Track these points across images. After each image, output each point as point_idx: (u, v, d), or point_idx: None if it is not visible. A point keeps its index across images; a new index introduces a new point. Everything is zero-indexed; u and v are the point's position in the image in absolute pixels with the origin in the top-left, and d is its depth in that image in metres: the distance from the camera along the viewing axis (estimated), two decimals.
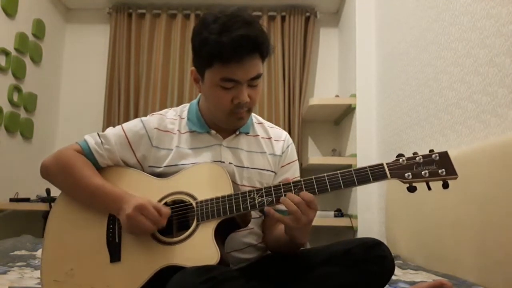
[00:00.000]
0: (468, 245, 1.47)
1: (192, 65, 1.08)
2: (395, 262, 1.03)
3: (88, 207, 1.04)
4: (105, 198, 1.01)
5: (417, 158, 0.91)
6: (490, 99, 1.47)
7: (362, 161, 2.75)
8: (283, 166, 1.19)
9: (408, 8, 2.28)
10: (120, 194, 1.00)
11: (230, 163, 1.10)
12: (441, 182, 0.90)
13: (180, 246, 0.94)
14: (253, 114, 1.19)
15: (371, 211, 2.69)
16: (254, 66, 0.99)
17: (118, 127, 1.13)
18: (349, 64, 3.09)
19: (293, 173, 1.21)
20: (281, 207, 1.09)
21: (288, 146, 1.21)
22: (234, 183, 1.04)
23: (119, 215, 0.98)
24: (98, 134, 1.11)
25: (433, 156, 0.90)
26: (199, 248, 0.93)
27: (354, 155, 2.80)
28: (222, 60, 0.96)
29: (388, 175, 0.91)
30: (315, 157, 3.11)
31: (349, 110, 2.97)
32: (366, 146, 2.77)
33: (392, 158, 0.94)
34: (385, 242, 1.26)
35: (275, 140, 1.20)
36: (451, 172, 0.89)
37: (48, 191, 2.90)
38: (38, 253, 1.81)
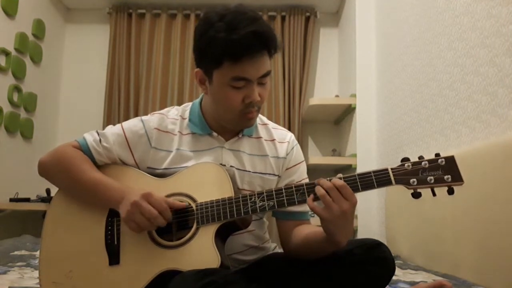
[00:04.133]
0: (468, 245, 1.47)
1: (196, 66, 1.04)
2: (395, 262, 1.03)
3: (86, 207, 1.03)
4: (106, 191, 0.99)
5: (422, 163, 0.88)
6: (490, 99, 1.47)
7: (362, 161, 2.75)
8: (288, 169, 1.14)
9: (408, 8, 2.27)
10: (121, 187, 0.98)
11: (231, 166, 1.07)
12: (446, 188, 0.87)
13: (180, 250, 0.93)
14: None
15: (371, 211, 2.69)
16: (264, 63, 0.97)
17: (118, 126, 1.11)
18: (349, 64, 3.09)
19: (300, 175, 1.15)
20: (293, 208, 1.07)
21: (293, 148, 1.16)
22: (234, 187, 1.00)
23: (121, 205, 0.95)
24: (97, 132, 1.09)
25: (439, 161, 0.87)
26: (199, 253, 0.92)
27: (354, 155, 2.80)
28: (233, 58, 0.92)
29: (393, 181, 0.88)
30: (315, 157, 3.10)
31: (349, 110, 2.97)
32: (366, 146, 2.77)
33: (392, 158, 0.92)
34: (385, 242, 1.26)
35: (279, 142, 1.15)
36: (457, 178, 0.86)
37: (48, 191, 2.90)
38: (38, 253, 1.81)
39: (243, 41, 0.91)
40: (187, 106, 1.16)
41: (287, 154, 1.14)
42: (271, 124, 1.20)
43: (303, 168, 1.17)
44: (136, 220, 0.92)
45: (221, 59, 0.94)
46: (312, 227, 1.06)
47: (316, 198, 0.89)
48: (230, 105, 1.00)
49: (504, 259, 1.27)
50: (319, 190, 0.88)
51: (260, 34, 0.93)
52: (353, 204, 0.88)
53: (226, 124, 1.07)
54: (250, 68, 0.95)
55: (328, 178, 0.90)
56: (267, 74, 0.99)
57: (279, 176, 1.14)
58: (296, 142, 1.19)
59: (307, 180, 1.13)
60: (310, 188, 0.91)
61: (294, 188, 0.93)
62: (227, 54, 0.93)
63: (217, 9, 0.96)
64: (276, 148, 1.14)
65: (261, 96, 1.00)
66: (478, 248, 1.41)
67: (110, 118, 3.37)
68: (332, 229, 0.90)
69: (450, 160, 0.88)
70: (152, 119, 1.10)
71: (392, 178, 0.89)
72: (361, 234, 2.69)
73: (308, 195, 0.91)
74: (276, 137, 1.16)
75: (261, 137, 1.15)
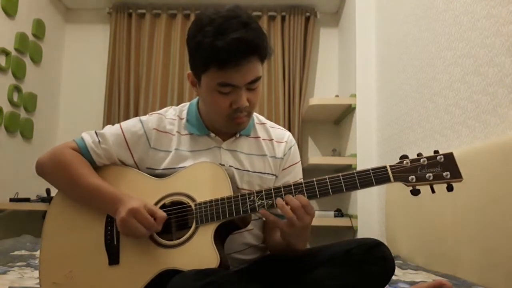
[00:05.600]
0: (468, 245, 1.47)
1: (189, 68, 1.04)
2: (395, 262, 1.03)
3: (85, 208, 1.03)
4: (102, 198, 0.99)
5: (421, 160, 0.88)
6: (490, 99, 1.47)
7: (362, 161, 2.75)
8: (284, 169, 1.15)
9: (408, 8, 2.27)
10: (118, 195, 0.98)
11: (230, 166, 1.08)
12: (445, 185, 0.87)
13: (180, 250, 0.94)
14: (254, 114, 1.15)
15: (371, 211, 2.69)
16: (252, 69, 0.95)
17: (117, 126, 1.11)
18: (349, 64, 3.09)
19: (295, 176, 1.16)
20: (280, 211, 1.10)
21: (290, 148, 1.16)
22: (234, 186, 1.01)
23: (116, 217, 0.96)
24: (95, 133, 1.09)
25: (438, 158, 0.88)
26: (199, 252, 0.92)
27: (354, 155, 2.80)
28: (218, 65, 0.92)
29: (392, 178, 0.89)
30: (315, 157, 3.10)
31: (349, 110, 2.97)
32: (366, 146, 2.77)
33: (392, 158, 0.92)
34: (385, 242, 1.26)
35: (276, 142, 1.15)
36: (456, 175, 0.87)
37: (48, 191, 2.91)
38: (38, 253, 1.81)
39: (228, 48, 0.90)
40: (184, 106, 1.16)
41: (284, 155, 1.15)
42: (268, 123, 1.20)
43: (298, 169, 1.18)
44: (128, 234, 0.96)
45: (207, 64, 0.94)
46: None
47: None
48: (217, 110, 1.00)
49: (504, 259, 1.27)
50: (286, 210, 0.90)
51: (246, 42, 0.91)
52: (313, 216, 0.92)
53: (218, 126, 1.08)
54: (236, 75, 0.94)
55: (293, 189, 0.92)
56: (256, 80, 0.98)
57: (276, 176, 1.14)
58: (294, 141, 1.19)
59: (301, 181, 1.13)
60: (310, 186, 0.92)
61: (293, 187, 0.93)
62: (212, 60, 0.92)
63: (209, 11, 0.95)
64: (274, 147, 1.15)
65: (251, 101, 1.00)
66: (478, 248, 1.41)
67: (110, 118, 3.37)
68: (293, 240, 0.96)
69: (449, 157, 0.88)
70: (150, 119, 1.10)
71: (391, 176, 0.89)
72: (361, 234, 2.69)
73: (308, 193, 0.92)
74: (274, 137, 1.17)
75: (259, 137, 1.15)
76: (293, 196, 0.92)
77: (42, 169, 1.07)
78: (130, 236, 0.96)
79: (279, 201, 0.91)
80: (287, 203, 0.90)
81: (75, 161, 1.04)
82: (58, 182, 1.07)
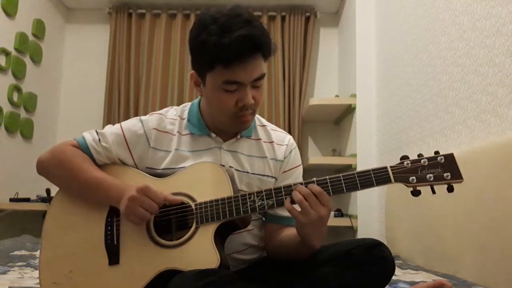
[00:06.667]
0: (468, 245, 1.47)
1: (191, 68, 1.04)
2: (395, 262, 1.03)
3: (86, 207, 1.03)
4: (106, 189, 0.99)
5: (422, 160, 0.88)
6: (490, 99, 1.47)
7: (362, 161, 2.75)
8: (285, 172, 1.14)
9: (408, 8, 2.28)
10: (121, 185, 0.99)
11: (230, 166, 1.08)
12: (445, 185, 0.87)
13: (180, 250, 0.94)
14: (256, 116, 1.15)
15: (371, 211, 2.69)
16: (257, 66, 0.96)
17: (117, 126, 1.11)
18: (349, 64, 3.09)
19: (295, 179, 1.15)
20: (282, 212, 1.09)
21: (291, 151, 1.16)
22: (233, 187, 1.00)
23: (120, 202, 0.95)
24: (96, 132, 1.09)
25: (439, 158, 0.88)
26: (199, 252, 0.92)
27: (354, 155, 2.80)
28: (224, 62, 0.92)
29: (392, 179, 0.89)
30: (315, 157, 3.11)
31: (349, 110, 2.97)
32: (366, 146, 2.77)
33: (392, 158, 0.92)
34: (385, 242, 1.26)
35: (277, 144, 1.15)
36: (457, 175, 0.87)
37: (48, 191, 2.90)
38: (38, 253, 1.81)
39: (234, 45, 0.90)
40: (186, 106, 1.16)
41: (284, 157, 1.15)
42: (269, 126, 1.20)
43: (299, 172, 1.17)
44: (135, 213, 0.93)
45: (213, 63, 0.94)
46: (290, 230, 1.07)
47: (293, 201, 0.91)
48: (223, 108, 1.00)
49: (504, 259, 1.27)
50: (296, 196, 0.90)
51: (252, 38, 0.92)
52: (330, 209, 0.91)
53: (222, 126, 1.07)
54: (242, 72, 0.94)
55: (304, 182, 0.92)
56: (261, 77, 0.98)
57: (276, 179, 1.14)
58: (294, 145, 1.19)
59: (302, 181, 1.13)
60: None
61: (293, 187, 0.93)
62: (218, 58, 0.92)
63: (211, 11, 0.96)
64: (275, 150, 1.15)
65: (256, 99, 1.00)
66: (478, 248, 1.41)
67: (110, 118, 3.37)
68: (308, 232, 0.93)
69: (450, 158, 0.88)
70: (151, 119, 1.10)
71: (392, 176, 0.89)
72: (361, 234, 2.69)
73: None
74: (275, 139, 1.16)
75: (260, 139, 1.15)
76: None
77: (43, 167, 1.07)
78: (136, 215, 0.93)
79: (294, 193, 0.91)
80: (299, 192, 0.90)
81: (76, 156, 1.04)
82: (60, 179, 1.06)
